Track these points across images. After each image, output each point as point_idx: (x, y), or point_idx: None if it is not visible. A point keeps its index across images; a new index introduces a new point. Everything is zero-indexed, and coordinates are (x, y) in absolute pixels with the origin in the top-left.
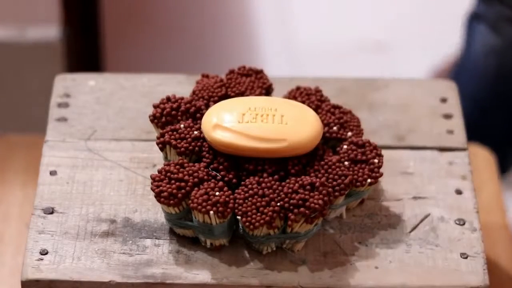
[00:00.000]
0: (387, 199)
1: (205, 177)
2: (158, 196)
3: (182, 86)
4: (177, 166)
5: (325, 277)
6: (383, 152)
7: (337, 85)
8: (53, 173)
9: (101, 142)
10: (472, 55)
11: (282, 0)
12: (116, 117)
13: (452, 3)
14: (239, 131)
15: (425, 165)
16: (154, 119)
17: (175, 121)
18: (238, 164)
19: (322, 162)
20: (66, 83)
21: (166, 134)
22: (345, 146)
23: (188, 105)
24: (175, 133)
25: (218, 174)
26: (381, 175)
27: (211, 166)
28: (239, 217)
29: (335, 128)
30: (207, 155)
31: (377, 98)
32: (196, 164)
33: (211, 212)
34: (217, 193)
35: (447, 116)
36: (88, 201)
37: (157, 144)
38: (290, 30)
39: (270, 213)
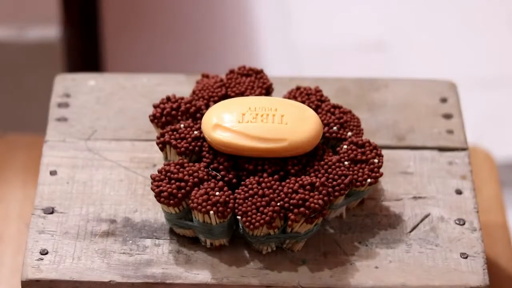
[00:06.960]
0: (387, 199)
1: (205, 177)
2: (158, 196)
3: (182, 86)
4: (177, 166)
5: (325, 277)
6: (383, 152)
7: (337, 85)
8: (53, 173)
9: (101, 142)
10: None
11: (282, 0)
12: (116, 117)
13: (452, 2)
14: (239, 131)
15: (425, 165)
16: (154, 119)
17: (175, 121)
18: (238, 164)
19: (322, 162)
20: (66, 83)
21: (166, 134)
22: (345, 146)
23: (188, 105)
24: (175, 133)
25: (218, 174)
26: (381, 175)
27: (211, 166)
28: (239, 217)
29: (335, 128)
30: (207, 155)
31: (377, 98)
32: (196, 164)
33: (211, 212)
34: (217, 193)
35: (447, 116)
36: (88, 201)
37: (157, 144)
38: (290, 30)
39: (270, 213)
